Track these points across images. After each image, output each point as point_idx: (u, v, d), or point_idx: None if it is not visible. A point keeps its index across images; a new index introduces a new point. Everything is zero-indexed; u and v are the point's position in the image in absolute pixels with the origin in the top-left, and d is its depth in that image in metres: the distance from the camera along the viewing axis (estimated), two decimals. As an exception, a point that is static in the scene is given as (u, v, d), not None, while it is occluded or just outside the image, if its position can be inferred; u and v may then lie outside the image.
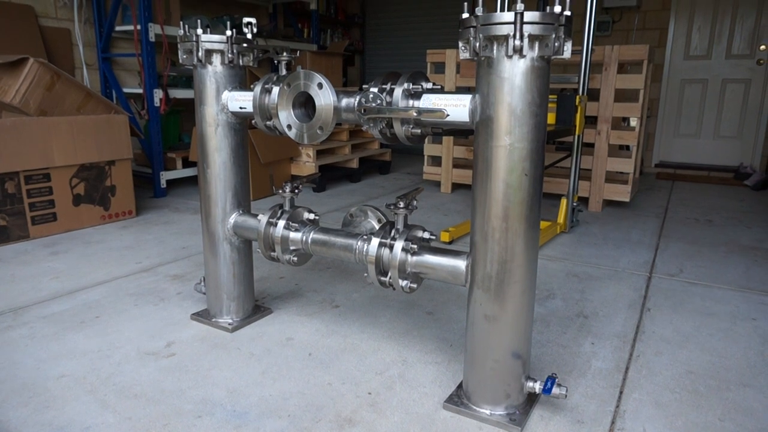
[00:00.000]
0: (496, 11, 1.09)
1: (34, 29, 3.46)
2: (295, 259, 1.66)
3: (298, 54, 1.64)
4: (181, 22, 1.63)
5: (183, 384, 1.45)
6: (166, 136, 3.99)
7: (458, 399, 1.36)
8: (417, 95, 1.28)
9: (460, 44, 1.17)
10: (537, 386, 1.29)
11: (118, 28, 3.78)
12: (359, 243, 1.49)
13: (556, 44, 1.09)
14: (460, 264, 1.31)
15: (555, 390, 1.27)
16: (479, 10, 1.10)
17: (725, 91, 4.99)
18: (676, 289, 2.17)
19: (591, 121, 3.47)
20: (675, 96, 5.18)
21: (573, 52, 1.39)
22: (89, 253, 2.53)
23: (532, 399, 1.36)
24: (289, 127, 1.49)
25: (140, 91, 3.73)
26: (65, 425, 1.27)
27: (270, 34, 4.83)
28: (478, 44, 1.12)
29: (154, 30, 3.56)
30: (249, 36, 1.62)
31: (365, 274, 1.44)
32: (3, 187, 2.60)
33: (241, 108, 1.62)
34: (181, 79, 3.98)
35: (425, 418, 1.31)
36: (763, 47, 4.76)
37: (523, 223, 1.19)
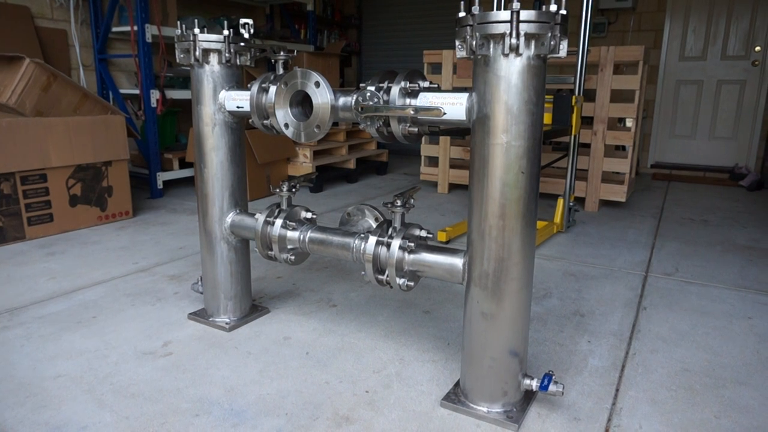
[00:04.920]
0: (492, 10, 1.10)
1: (30, 30, 3.46)
2: (293, 258, 1.66)
3: (295, 53, 1.64)
4: (179, 22, 1.63)
5: (180, 383, 1.45)
6: (163, 137, 3.99)
7: (455, 397, 1.37)
8: (414, 94, 1.28)
9: (457, 43, 1.17)
10: (534, 384, 1.30)
11: (114, 29, 3.78)
12: (356, 241, 1.49)
13: (552, 43, 1.10)
14: (457, 262, 1.31)
15: (552, 387, 1.28)
16: (476, 9, 1.10)
17: (720, 92, 5.02)
18: (672, 288, 2.18)
19: (587, 121, 3.48)
20: (670, 97, 5.21)
21: (569, 53, 1.40)
22: (86, 253, 2.53)
23: (529, 396, 1.36)
24: (287, 125, 1.49)
25: (137, 91, 3.73)
26: (62, 425, 1.27)
27: (267, 35, 4.84)
28: (474, 43, 1.13)
29: (150, 31, 3.56)
30: (246, 36, 1.63)
31: (362, 273, 1.44)
32: (-1, 188, 2.60)
33: (238, 107, 1.62)
34: (178, 80, 3.98)
35: (423, 415, 1.31)
36: (757, 48, 4.79)
37: (519, 220, 1.20)
